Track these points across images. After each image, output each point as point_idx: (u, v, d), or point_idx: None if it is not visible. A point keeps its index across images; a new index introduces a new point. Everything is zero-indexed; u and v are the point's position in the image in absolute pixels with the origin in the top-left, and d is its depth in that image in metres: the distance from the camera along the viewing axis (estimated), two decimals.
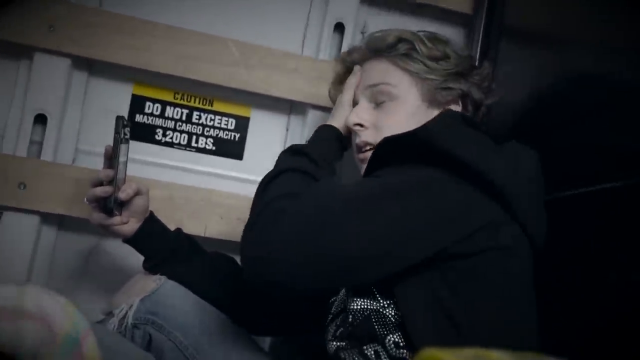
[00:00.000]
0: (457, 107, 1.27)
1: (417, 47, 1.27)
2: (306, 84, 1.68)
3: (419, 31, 1.32)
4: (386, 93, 1.27)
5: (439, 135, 1.03)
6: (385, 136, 1.12)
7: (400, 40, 1.28)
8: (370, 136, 1.27)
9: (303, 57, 1.73)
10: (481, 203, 1.01)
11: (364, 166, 1.20)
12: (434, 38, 1.31)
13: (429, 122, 1.13)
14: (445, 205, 1.00)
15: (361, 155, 1.29)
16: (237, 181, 1.73)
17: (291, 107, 1.76)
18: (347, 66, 1.39)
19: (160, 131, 1.70)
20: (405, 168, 1.04)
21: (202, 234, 1.61)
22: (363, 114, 1.29)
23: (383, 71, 1.29)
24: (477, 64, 1.43)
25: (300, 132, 1.75)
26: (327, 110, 1.66)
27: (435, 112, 1.24)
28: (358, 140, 1.29)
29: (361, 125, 1.28)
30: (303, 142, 1.61)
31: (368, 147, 1.27)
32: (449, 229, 0.99)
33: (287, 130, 1.77)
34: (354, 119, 1.28)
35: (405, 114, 1.25)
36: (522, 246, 1.05)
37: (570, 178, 1.23)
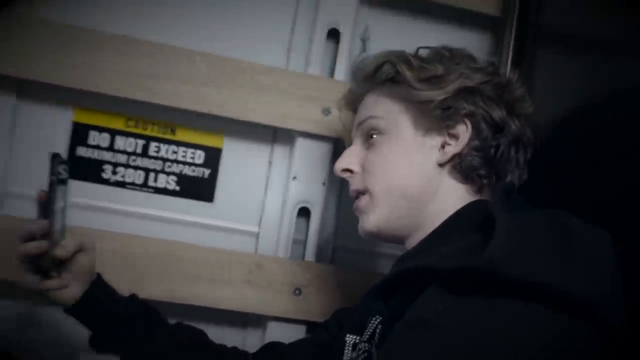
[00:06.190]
0: (464, 130, 1.29)
1: (399, 69, 1.32)
2: (293, 106, 1.70)
3: (419, 48, 1.40)
4: (374, 127, 1.35)
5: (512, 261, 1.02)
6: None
7: (381, 65, 1.36)
8: (358, 182, 1.36)
9: (288, 72, 1.75)
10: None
11: (362, 219, 1.34)
12: (433, 54, 1.37)
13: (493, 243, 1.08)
14: None
15: (355, 205, 1.37)
16: (207, 229, 1.75)
17: (274, 135, 1.79)
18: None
19: (109, 168, 1.70)
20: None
21: (163, 299, 1.61)
22: (351, 157, 1.38)
23: (371, 104, 1.38)
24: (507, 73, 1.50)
25: (287, 165, 1.78)
26: (320, 138, 1.74)
27: (433, 141, 1.30)
28: (350, 189, 1.39)
29: (350, 171, 1.38)
30: (289, 179, 1.75)
31: (360, 196, 1.36)
32: None
33: (269, 163, 1.79)
34: (339, 164, 1.38)
35: (396, 149, 1.32)
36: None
37: (624, 209, 1.30)
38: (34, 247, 1.27)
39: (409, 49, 1.40)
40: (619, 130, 1.37)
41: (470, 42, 1.77)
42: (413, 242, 1.30)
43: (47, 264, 1.29)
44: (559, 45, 1.68)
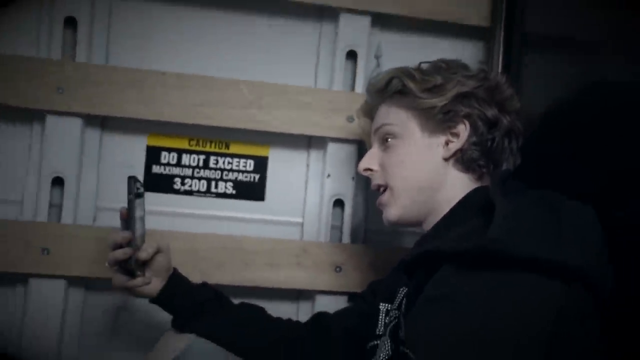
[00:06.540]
0: (463, 129, 1.40)
1: (405, 82, 1.44)
2: (322, 117, 1.84)
3: (421, 63, 1.50)
4: (389, 133, 1.46)
5: (513, 241, 1.11)
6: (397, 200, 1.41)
7: (390, 80, 1.47)
8: (379, 178, 1.48)
9: (317, 89, 1.89)
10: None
11: (385, 211, 1.46)
12: (432, 66, 1.47)
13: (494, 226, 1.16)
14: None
15: (378, 201, 1.49)
16: (261, 223, 1.89)
17: (310, 142, 1.92)
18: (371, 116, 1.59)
19: (178, 180, 1.85)
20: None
21: (229, 283, 1.76)
22: (371, 158, 1.50)
23: (384, 113, 1.49)
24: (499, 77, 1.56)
25: (322, 167, 1.91)
26: (346, 141, 1.87)
27: (438, 140, 1.41)
28: (372, 183, 1.51)
29: (370, 170, 1.50)
30: (324, 177, 1.89)
31: (381, 189, 1.48)
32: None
33: (307, 166, 1.93)
34: (361, 165, 1.51)
35: (407, 149, 1.43)
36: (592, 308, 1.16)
37: (606, 194, 1.38)
38: (120, 253, 1.42)
39: (415, 61, 1.50)
40: (599, 124, 1.45)
41: (466, 50, 1.95)
42: (429, 224, 1.41)
43: (132, 266, 1.42)
44: (543, 50, 1.77)
